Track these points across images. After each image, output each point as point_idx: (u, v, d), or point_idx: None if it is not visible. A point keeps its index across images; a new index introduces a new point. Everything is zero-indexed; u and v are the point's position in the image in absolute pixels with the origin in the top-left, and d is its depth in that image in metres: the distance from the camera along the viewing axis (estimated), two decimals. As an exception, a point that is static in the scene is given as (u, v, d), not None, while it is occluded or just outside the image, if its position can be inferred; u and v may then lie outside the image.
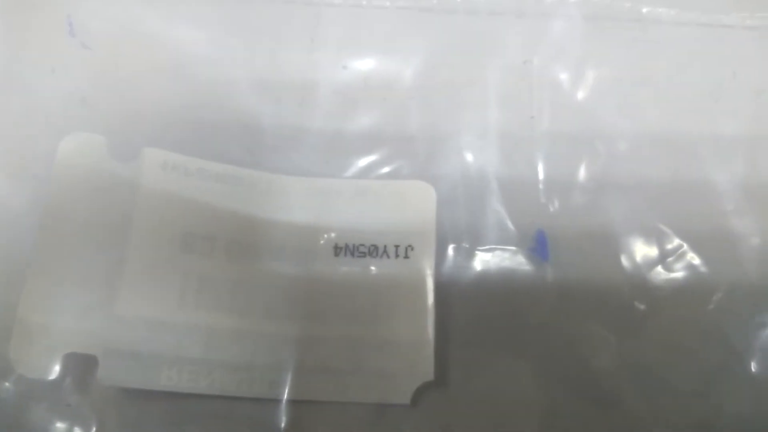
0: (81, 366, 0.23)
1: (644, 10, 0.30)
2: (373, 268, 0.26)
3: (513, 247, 0.26)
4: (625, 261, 0.26)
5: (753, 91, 0.29)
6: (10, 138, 0.26)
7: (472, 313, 0.26)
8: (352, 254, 0.26)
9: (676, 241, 0.27)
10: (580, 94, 0.28)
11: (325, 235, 0.27)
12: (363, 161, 0.28)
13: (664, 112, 0.28)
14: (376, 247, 0.26)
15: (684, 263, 0.26)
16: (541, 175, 0.27)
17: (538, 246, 0.27)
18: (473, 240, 0.26)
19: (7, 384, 0.23)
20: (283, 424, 0.24)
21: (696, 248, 0.26)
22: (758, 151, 0.28)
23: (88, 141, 0.26)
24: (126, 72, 0.28)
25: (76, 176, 0.25)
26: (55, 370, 0.23)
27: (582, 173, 0.27)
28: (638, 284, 0.26)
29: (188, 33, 0.28)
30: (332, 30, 0.29)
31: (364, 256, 0.26)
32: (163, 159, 0.26)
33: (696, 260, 0.26)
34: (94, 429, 0.23)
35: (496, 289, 0.26)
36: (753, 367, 0.25)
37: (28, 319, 0.23)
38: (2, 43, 0.27)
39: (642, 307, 0.26)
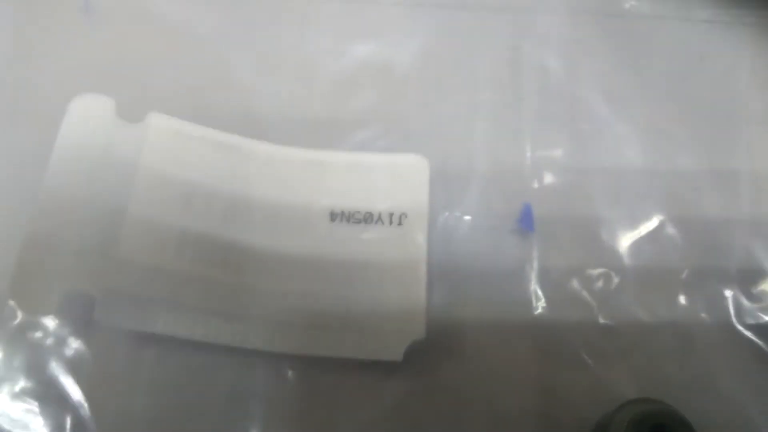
0: (80, 306, 0.23)
1: (626, 5, 0.32)
2: (367, 233, 0.27)
3: (501, 219, 0.28)
4: (604, 235, 0.28)
5: (727, 80, 0.31)
6: (22, 97, 0.27)
7: (463, 277, 0.27)
8: (348, 221, 0.27)
9: (652, 218, 0.28)
10: (566, 81, 0.30)
11: (322, 202, 0.27)
12: (359, 138, 0.29)
13: (644, 100, 0.30)
14: (370, 214, 0.27)
15: (658, 239, 0.28)
16: (527, 153, 0.29)
17: (525, 218, 0.28)
18: (464, 210, 0.28)
19: (12, 323, 0.24)
20: (274, 378, 0.25)
21: (670, 225, 0.28)
22: (730, 137, 0.30)
23: (98, 101, 0.27)
24: (134, 48, 0.29)
25: (85, 129, 0.26)
26: (55, 308, 0.23)
27: (566, 153, 0.29)
28: (615, 257, 0.27)
29: (194, 13, 0.30)
30: (331, 19, 0.31)
31: (359, 223, 0.27)
32: (167, 123, 0.27)
33: (669, 236, 0.28)
34: (92, 369, 0.23)
35: (485, 256, 0.27)
36: (717, 331, 0.27)
37: (30, 257, 0.24)
38: (22, 14, 0.28)
39: (617, 279, 0.27)
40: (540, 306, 0.26)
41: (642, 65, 0.31)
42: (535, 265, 0.27)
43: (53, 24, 0.29)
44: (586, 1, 0.31)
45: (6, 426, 0.22)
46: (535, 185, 0.28)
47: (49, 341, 0.23)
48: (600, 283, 0.27)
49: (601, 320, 0.26)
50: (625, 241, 0.28)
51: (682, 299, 0.27)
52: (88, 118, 0.27)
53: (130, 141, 0.27)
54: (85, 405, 0.23)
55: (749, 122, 0.30)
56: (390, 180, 0.28)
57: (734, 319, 0.27)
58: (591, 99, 0.30)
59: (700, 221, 0.28)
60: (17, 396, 0.22)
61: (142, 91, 0.28)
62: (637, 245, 0.28)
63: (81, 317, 0.24)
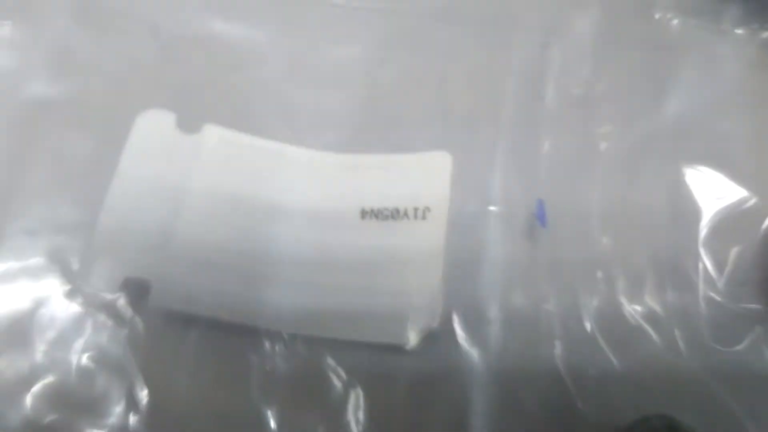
0: (137, 289, 0.27)
1: (656, 15, 0.33)
2: (394, 228, 0.30)
3: (516, 213, 0.29)
4: (608, 234, 0.29)
5: (754, 99, 0.31)
6: (95, 107, 0.31)
7: (478, 268, 0.29)
8: (377, 217, 0.30)
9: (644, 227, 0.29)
10: (590, 83, 0.31)
11: (353, 201, 0.30)
12: (391, 136, 0.31)
13: (660, 110, 0.31)
14: (397, 210, 0.30)
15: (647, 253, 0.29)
16: (545, 150, 0.30)
17: (539, 214, 0.29)
18: (483, 203, 0.30)
19: (77, 301, 0.28)
20: (301, 358, 0.27)
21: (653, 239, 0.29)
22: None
23: (161, 115, 0.31)
24: (194, 65, 0.33)
25: (149, 140, 0.30)
26: (116, 290, 0.27)
27: (580, 156, 0.30)
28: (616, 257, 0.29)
29: (245, 32, 0.33)
30: (366, 28, 0.34)
31: (387, 219, 0.30)
32: (219, 134, 0.31)
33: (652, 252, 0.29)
34: (144, 344, 0.27)
35: (500, 248, 0.29)
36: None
37: (99, 246, 0.28)
38: (97, 39, 0.33)
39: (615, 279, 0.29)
40: (549, 299, 0.28)
41: (664, 75, 0.31)
42: (546, 259, 0.28)
43: (124, 45, 0.33)
44: (617, 8, 0.33)
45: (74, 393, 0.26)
46: (550, 182, 0.30)
47: (109, 319, 0.27)
48: (602, 285, 0.28)
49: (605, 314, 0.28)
50: (627, 241, 0.29)
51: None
52: (152, 131, 0.31)
53: (187, 150, 0.30)
54: (140, 376, 0.27)
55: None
56: (415, 177, 0.31)
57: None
58: (612, 104, 0.31)
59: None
60: (81, 366, 0.27)
61: (198, 103, 0.32)
62: (636, 245, 0.29)
63: (137, 299, 0.27)
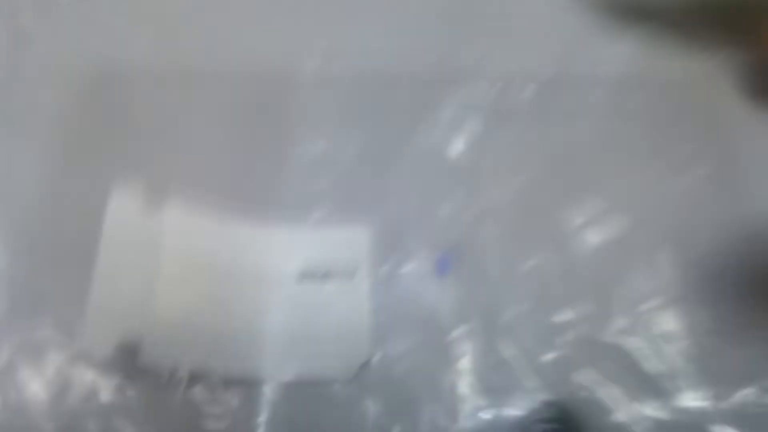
0: (128, 350, 0.34)
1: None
2: (328, 286, 0.38)
3: (427, 267, 0.38)
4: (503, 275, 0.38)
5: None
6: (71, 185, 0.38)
7: (401, 312, 0.37)
8: (312, 278, 0.38)
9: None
10: (490, 145, 0.41)
11: (293, 265, 0.38)
12: (318, 214, 0.39)
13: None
14: (329, 272, 0.38)
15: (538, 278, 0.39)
16: (446, 208, 0.39)
17: (438, 266, 0.38)
18: (400, 263, 0.38)
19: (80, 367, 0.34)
20: (266, 399, 0.35)
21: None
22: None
23: (131, 191, 0.38)
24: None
25: (122, 216, 0.38)
26: (109, 354, 0.34)
27: (473, 210, 0.40)
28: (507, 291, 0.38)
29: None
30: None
31: (321, 279, 0.38)
32: (182, 212, 0.38)
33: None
34: (136, 395, 0.34)
35: (416, 297, 0.38)
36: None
37: (92, 319, 0.35)
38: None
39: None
40: (452, 335, 0.37)
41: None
42: (450, 304, 0.37)
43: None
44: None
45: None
46: (455, 239, 0.39)
47: (108, 378, 0.34)
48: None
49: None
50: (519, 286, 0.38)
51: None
52: (124, 208, 0.38)
53: (156, 224, 0.38)
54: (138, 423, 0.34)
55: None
56: (343, 244, 0.39)
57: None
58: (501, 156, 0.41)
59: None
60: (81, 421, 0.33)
61: (167, 174, 0.39)
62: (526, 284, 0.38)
63: (127, 360, 0.34)
